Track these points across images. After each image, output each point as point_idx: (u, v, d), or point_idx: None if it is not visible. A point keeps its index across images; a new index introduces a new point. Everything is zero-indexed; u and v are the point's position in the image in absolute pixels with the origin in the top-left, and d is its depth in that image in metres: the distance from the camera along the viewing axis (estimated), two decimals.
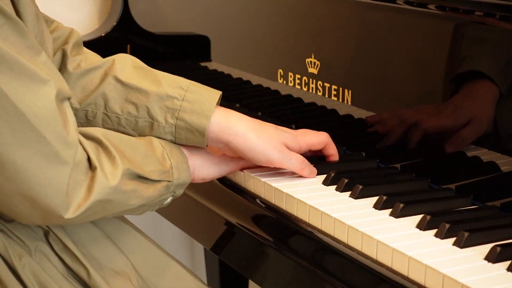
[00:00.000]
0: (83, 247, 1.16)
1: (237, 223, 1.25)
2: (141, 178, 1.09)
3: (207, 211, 1.34)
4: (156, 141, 1.15)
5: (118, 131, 1.18)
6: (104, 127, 1.20)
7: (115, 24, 2.04)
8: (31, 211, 1.01)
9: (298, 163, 1.21)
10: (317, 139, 1.26)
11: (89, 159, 1.03)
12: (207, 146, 1.18)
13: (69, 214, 1.01)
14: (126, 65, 1.23)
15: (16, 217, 1.05)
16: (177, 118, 1.16)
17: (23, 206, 1.01)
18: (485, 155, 1.17)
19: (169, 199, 1.16)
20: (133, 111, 1.18)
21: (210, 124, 1.16)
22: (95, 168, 1.03)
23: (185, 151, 1.19)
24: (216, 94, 1.18)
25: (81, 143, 1.03)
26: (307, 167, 1.23)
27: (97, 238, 1.18)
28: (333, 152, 1.29)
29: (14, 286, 1.08)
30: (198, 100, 1.17)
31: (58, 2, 2.09)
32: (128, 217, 1.33)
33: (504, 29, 1.13)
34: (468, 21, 1.20)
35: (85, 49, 1.29)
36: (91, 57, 1.26)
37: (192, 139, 1.17)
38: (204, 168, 1.21)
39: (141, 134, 1.19)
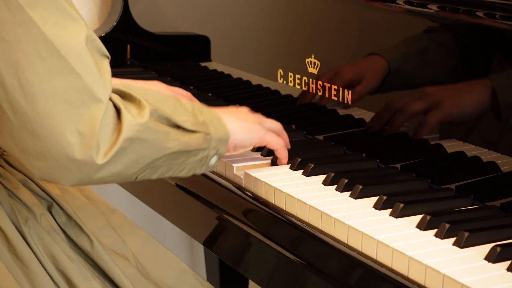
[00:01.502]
0: (85, 226, 1.17)
1: (237, 223, 1.25)
2: (174, 125, 1.06)
3: (203, 208, 1.34)
4: (183, 100, 1.13)
5: None
6: None
7: (115, 24, 2.04)
8: (64, 159, 0.96)
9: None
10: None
11: (114, 106, 1.00)
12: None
13: (101, 158, 0.97)
14: None
15: (51, 172, 0.98)
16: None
17: (57, 152, 0.96)
18: (485, 155, 1.17)
19: (214, 158, 1.13)
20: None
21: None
22: (120, 109, 0.99)
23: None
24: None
25: None
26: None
27: (98, 221, 1.20)
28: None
29: (21, 247, 1.10)
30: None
31: None
32: (128, 215, 1.33)
33: (506, 29, 1.13)
34: (468, 21, 1.20)
35: None
36: None
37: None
38: (238, 134, 1.19)
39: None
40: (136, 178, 1.05)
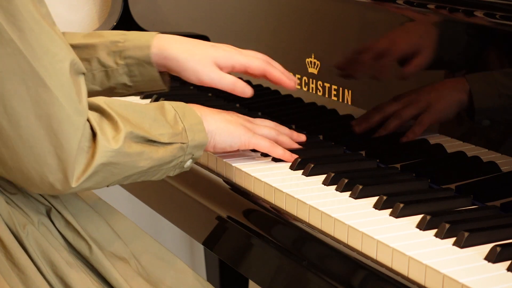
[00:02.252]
0: (84, 229, 1.17)
1: (237, 222, 1.25)
2: (149, 141, 1.10)
3: (203, 208, 1.34)
4: (168, 105, 1.17)
5: None
6: None
7: (115, 24, 2.04)
8: (43, 178, 1.03)
9: (229, 83, 1.27)
10: (254, 63, 1.29)
11: (91, 128, 1.05)
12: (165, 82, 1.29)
13: (75, 182, 1.03)
14: (75, 34, 1.32)
15: (29, 186, 1.06)
16: (124, 58, 1.25)
17: (35, 172, 1.03)
18: (485, 155, 1.17)
19: (189, 162, 1.17)
20: (87, 66, 1.27)
21: (151, 54, 1.26)
22: (96, 133, 1.04)
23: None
24: (154, 32, 1.29)
25: None
26: (240, 86, 1.28)
27: (97, 223, 1.20)
28: (276, 78, 1.30)
29: (19, 253, 1.10)
30: (138, 37, 1.28)
31: (58, 2, 2.09)
32: (128, 215, 1.33)
33: (506, 30, 1.13)
34: (468, 21, 1.20)
35: None
36: None
37: (145, 72, 1.26)
38: (217, 135, 1.22)
39: (102, 86, 1.28)
40: (108, 186, 1.12)
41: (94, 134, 1.05)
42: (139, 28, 2.04)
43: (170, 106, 1.16)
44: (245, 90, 1.29)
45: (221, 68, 1.28)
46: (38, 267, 1.10)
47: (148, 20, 2.03)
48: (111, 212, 1.25)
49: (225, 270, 2.20)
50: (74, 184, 1.03)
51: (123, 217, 1.25)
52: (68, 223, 1.16)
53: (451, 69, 1.24)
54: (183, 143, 1.14)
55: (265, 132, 1.28)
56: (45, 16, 1.03)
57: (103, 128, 1.06)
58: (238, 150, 1.30)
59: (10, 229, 1.11)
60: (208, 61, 1.27)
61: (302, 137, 1.34)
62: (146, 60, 1.27)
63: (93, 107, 1.08)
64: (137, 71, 1.28)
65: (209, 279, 2.24)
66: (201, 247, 2.41)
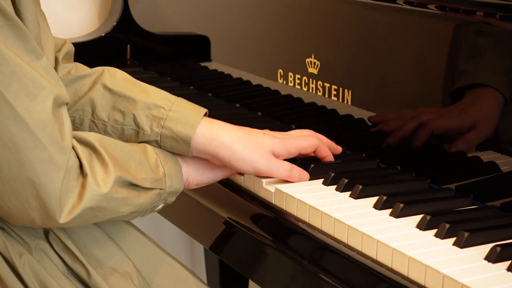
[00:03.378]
0: (84, 247, 1.16)
1: (237, 223, 1.25)
2: (133, 185, 1.09)
3: (206, 210, 1.34)
4: (150, 148, 1.15)
5: None
6: None
7: (115, 24, 2.04)
8: (24, 214, 1.02)
9: (285, 171, 1.21)
10: (307, 142, 1.24)
11: (81, 165, 1.03)
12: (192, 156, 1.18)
13: (62, 219, 1.01)
14: (115, 75, 1.23)
15: (9, 219, 1.04)
16: (162, 127, 1.16)
17: (16, 208, 1.01)
18: (485, 155, 1.17)
19: (160, 206, 1.17)
20: (119, 118, 1.19)
21: (196, 135, 1.15)
22: (86, 174, 1.02)
23: (178, 158, 1.19)
24: (202, 109, 1.19)
25: (74, 148, 1.03)
26: (296, 173, 1.22)
27: (98, 237, 1.18)
28: (325, 155, 1.27)
29: (14, 284, 1.08)
30: (184, 111, 1.17)
31: (58, 2, 2.09)
32: None
33: (505, 29, 1.13)
34: (468, 21, 1.20)
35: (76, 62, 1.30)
36: (81, 67, 1.28)
37: (177, 148, 1.16)
38: (198, 175, 1.21)
39: (127, 142, 1.18)
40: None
41: (82, 172, 1.03)
42: (139, 28, 2.04)
43: (152, 150, 1.15)
44: (302, 176, 1.23)
45: (277, 155, 1.21)
46: None
47: (148, 20, 2.04)
48: (113, 222, 1.23)
49: (225, 270, 2.20)
50: (62, 220, 1.01)
51: (126, 227, 1.24)
52: (66, 246, 1.14)
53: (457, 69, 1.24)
54: (161, 189, 1.13)
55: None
56: (31, 50, 1.00)
57: (93, 168, 1.04)
58: None
59: (5, 260, 1.09)
60: (265, 150, 1.19)
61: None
62: (184, 139, 1.15)
63: (84, 143, 1.06)
64: (168, 144, 1.16)
65: (209, 279, 2.24)
66: (201, 247, 2.41)
